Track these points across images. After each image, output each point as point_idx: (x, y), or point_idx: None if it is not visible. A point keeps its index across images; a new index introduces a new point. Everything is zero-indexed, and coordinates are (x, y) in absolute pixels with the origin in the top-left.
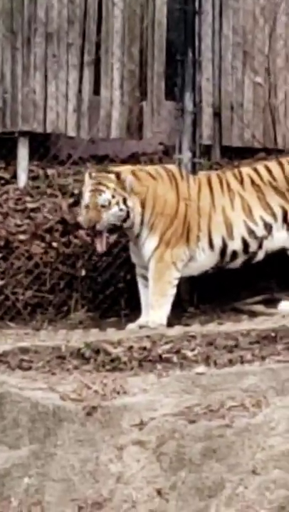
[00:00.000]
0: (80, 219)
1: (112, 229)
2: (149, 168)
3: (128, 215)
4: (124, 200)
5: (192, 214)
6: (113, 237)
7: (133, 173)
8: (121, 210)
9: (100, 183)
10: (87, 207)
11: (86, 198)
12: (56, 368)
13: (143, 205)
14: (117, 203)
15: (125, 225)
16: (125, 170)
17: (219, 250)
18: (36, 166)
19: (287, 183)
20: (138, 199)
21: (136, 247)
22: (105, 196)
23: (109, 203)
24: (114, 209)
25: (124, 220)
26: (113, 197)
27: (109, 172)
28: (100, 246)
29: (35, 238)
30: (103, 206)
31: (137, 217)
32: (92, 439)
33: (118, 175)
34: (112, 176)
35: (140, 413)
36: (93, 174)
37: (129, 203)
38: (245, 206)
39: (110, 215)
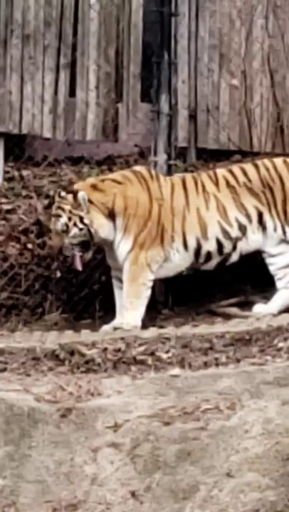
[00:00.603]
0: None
1: (84, 246)
2: (114, 174)
3: (90, 232)
4: (81, 219)
5: (166, 214)
6: (89, 253)
7: (94, 186)
8: (81, 229)
9: (58, 207)
10: (51, 233)
11: (50, 223)
12: (31, 370)
13: (112, 213)
14: (75, 224)
15: (96, 240)
16: (83, 186)
17: (194, 251)
18: (11, 167)
19: (263, 185)
20: (102, 211)
21: (110, 250)
22: (62, 221)
23: (67, 226)
24: (74, 231)
25: (91, 237)
26: (69, 219)
27: (68, 192)
28: (76, 265)
29: (11, 239)
30: (63, 231)
31: (103, 230)
32: (67, 440)
33: (75, 194)
34: (70, 197)
35: (115, 415)
36: (62, 194)
37: (86, 220)
38: (220, 207)
39: (71, 238)
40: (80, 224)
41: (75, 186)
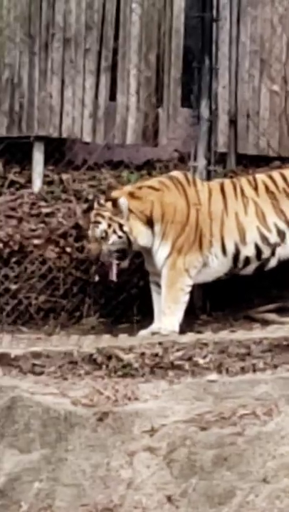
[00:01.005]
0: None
1: (122, 254)
2: (151, 181)
3: (129, 240)
4: (121, 226)
5: (204, 219)
6: (126, 262)
7: (131, 194)
8: (120, 237)
9: (97, 214)
10: (89, 239)
11: (89, 230)
12: (68, 373)
13: (151, 220)
14: (114, 231)
15: (134, 248)
16: (121, 194)
17: (232, 256)
18: (51, 170)
19: None
20: (140, 218)
21: (149, 256)
22: (102, 227)
23: (106, 233)
24: (113, 238)
25: (129, 245)
26: (109, 226)
27: (108, 200)
28: (112, 275)
29: (50, 243)
30: (102, 238)
31: (142, 237)
32: (103, 444)
33: (114, 202)
34: (109, 204)
35: (151, 419)
36: (101, 201)
37: (126, 228)
38: (258, 212)
39: (110, 245)
40: (119, 231)
41: (113, 194)
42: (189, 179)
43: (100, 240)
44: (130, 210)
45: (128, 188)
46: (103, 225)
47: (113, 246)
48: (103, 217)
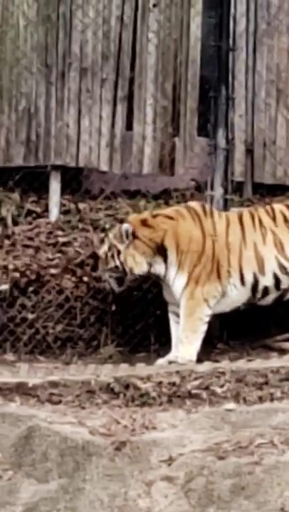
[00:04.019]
0: None
1: (118, 282)
2: (168, 210)
3: (124, 269)
4: (118, 254)
5: (221, 249)
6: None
7: (144, 221)
8: (116, 267)
9: (106, 235)
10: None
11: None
12: (86, 402)
13: (162, 249)
14: (112, 257)
15: (130, 277)
16: (134, 219)
17: (251, 286)
18: (68, 200)
19: None
20: (148, 246)
21: (166, 286)
22: (103, 248)
23: (106, 256)
24: (110, 264)
25: (125, 273)
26: (109, 249)
27: (121, 221)
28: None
29: (66, 272)
30: (104, 258)
31: (139, 268)
32: (121, 474)
33: (124, 221)
34: (118, 227)
35: (169, 449)
36: (113, 222)
37: (122, 256)
38: (277, 242)
39: (108, 270)
40: (116, 259)
41: (129, 218)
42: (206, 210)
43: (103, 259)
44: (137, 237)
45: (143, 214)
46: (104, 247)
47: (110, 272)
48: (108, 238)
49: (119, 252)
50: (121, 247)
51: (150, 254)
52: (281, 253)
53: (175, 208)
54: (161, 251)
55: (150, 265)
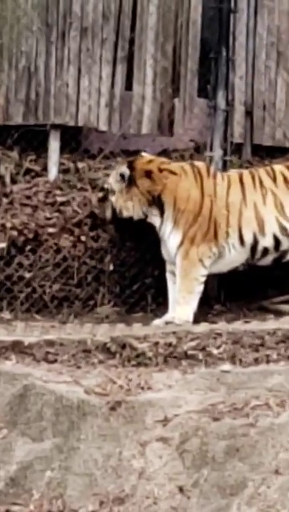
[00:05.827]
0: None
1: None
2: (174, 165)
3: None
4: (113, 193)
5: (219, 210)
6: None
7: (147, 173)
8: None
9: (115, 170)
10: None
11: None
12: (81, 362)
13: (160, 202)
14: (108, 193)
15: (120, 216)
16: (140, 164)
17: (250, 246)
18: (67, 159)
19: None
20: (144, 195)
21: (164, 241)
22: (107, 182)
23: (107, 190)
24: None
25: (120, 212)
26: (109, 187)
27: (129, 160)
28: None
29: (64, 232)
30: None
31: (128, 211)
32: (116, 434)
33: (129, 163)
34: (118, 167)
35: (164, 409)
36: (123, 158)
37: (114, 197)
38: (277, 203)
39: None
40: (111, 196)
41: (136, 160)
42: (210, 171)
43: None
44: (136, 185)
45: (152, 165)
46: (109, 181)
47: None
48: (111, 173)
49: (113, 192)
50: (115, 187)
51: (146, 205)
52: (281, 214)
53: (181, 164)
54: (158, 204)
55: (146, 215)
